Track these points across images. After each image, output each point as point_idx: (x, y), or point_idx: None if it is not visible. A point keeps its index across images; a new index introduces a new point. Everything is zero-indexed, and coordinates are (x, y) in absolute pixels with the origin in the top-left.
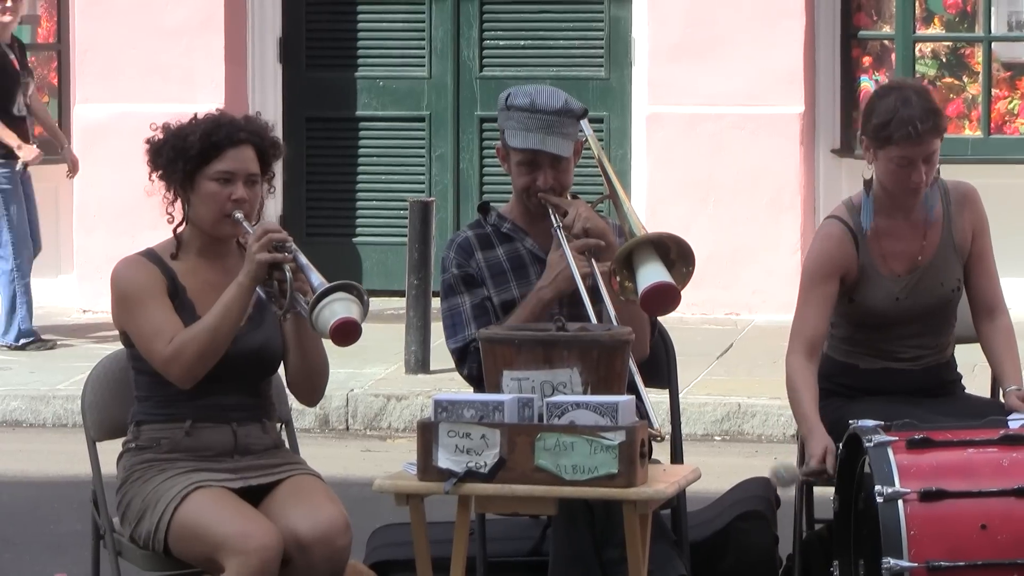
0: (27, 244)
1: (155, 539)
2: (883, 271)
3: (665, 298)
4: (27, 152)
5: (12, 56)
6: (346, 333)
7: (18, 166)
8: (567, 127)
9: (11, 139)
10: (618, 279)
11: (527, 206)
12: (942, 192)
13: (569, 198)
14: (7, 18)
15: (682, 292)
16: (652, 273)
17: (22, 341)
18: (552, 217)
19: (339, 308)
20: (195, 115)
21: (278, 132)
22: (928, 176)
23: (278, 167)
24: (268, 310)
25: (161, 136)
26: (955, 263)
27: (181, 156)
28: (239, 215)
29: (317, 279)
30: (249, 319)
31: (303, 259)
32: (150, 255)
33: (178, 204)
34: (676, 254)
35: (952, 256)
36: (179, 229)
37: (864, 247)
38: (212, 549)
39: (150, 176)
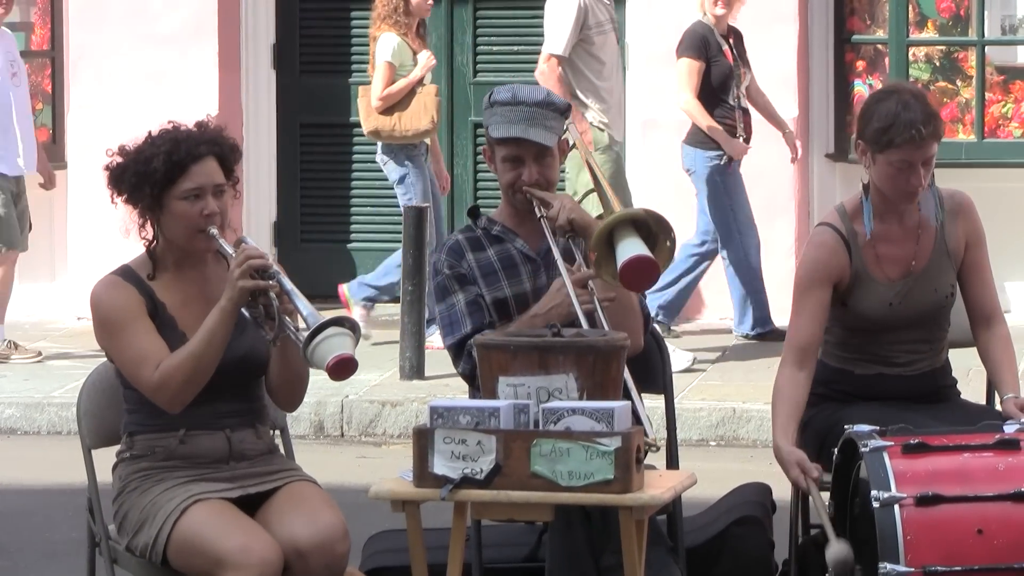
0: (734, 236)
1: (154, 551)
2: (877, 276)
3: (643, 271)
4: (733, 148)
5: (726, 47)
6: (343, 369)
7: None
8: (550, 120)
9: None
10: (597, 258)
11: (514, 204)
12: (936, 199)
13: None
14: (720, 10)
15: (664, 271)
16: (630, 247)
17: (757, 330)
18: (536, 209)
19: (336, 344)
20: (149, 133)
21: (272, 138)
22: (925, 180)
23: (272, 173)
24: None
25: (120, 160)
26: (948, 269)
27: (146, 181)
28: (214, 230)
29: (305, 308)
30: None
31: (287, 283)
32: (127, 274)
33: (148, 224)
34: (656, 228)
35: (945, 262)
36: (153, 247)
37: (857, 252)
38: (212, 563)
39: (112, 199)
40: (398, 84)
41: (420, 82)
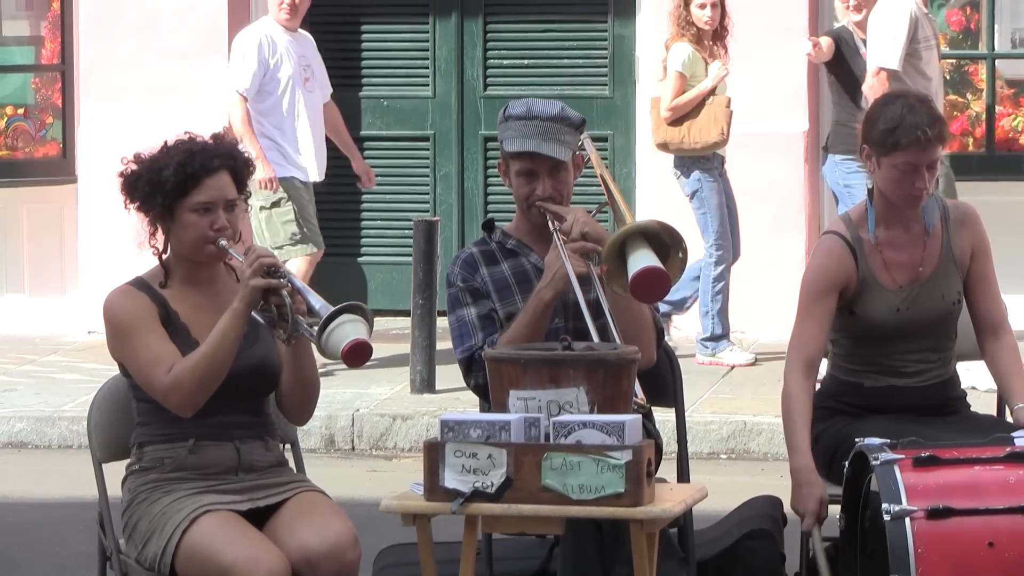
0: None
1: (162, 562)
2: (884, 282)
3: (654, 283)
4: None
5: (864, 50)
6: (358, 355)
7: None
8: (564, 135)
9: None
10: (608, 269)
11: (529, 219)
12: (941, 207)
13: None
14: (856, 15)
15: (675, 285)
16: (640, 259)
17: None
18: (550, 223)
19: (349, 330)
20: (165, 142)
21: None
22: (930, 184)
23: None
24: (262, 326)
25: (135, 167)
26: (955, 277)
27: (158, 190)
28: (224, 242)
29: (317, 301)
30: (244, 337)
31: (298, 282)
32: (139, 284)
33: (159, 234)
34: (669, 240)
35: (952, 269)
36: (164, 256)
37: (863, 259)
38: (220, 574)
39: (125, 205)
40: (688, 95)
41: (712, 93)
